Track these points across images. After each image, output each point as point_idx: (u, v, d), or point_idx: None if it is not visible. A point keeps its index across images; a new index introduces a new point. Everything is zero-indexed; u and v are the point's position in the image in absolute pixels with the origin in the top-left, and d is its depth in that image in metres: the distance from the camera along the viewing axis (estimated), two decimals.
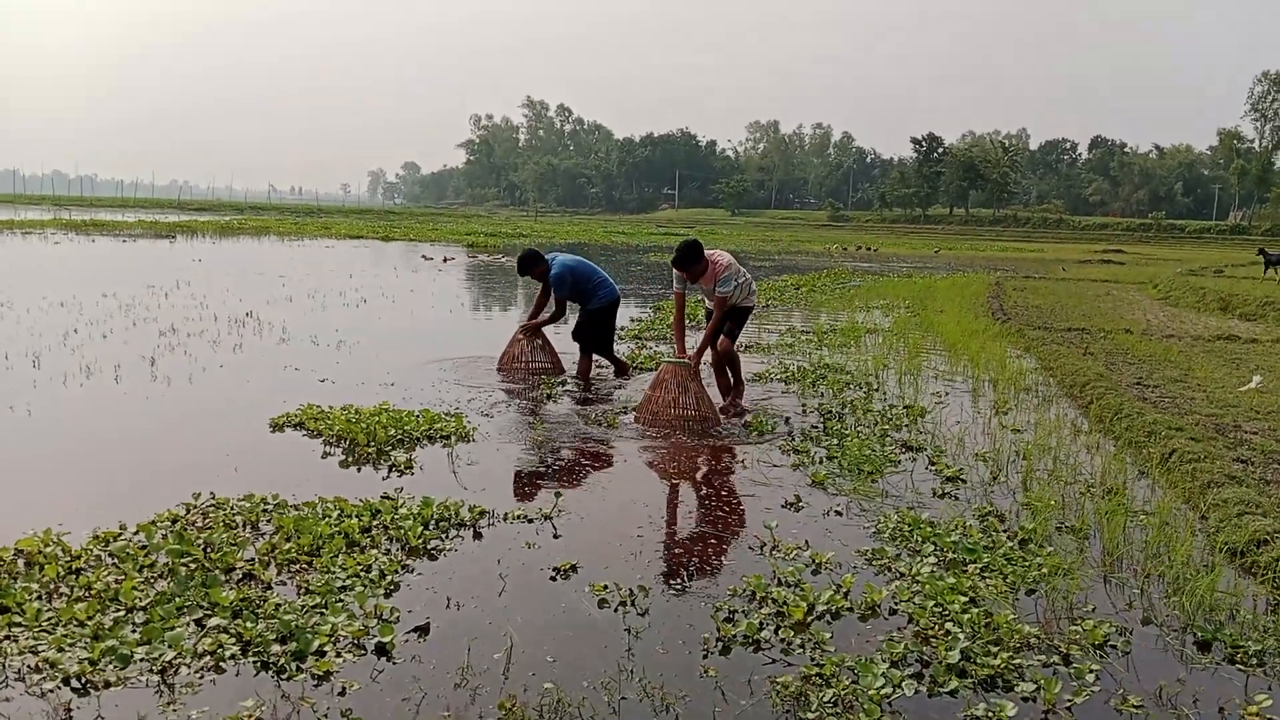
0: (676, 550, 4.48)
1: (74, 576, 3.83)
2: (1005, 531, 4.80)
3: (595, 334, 8.93)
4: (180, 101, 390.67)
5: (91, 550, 4.11)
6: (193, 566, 3.92)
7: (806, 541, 4.59)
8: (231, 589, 3.73)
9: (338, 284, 17.49)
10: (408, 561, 4.18)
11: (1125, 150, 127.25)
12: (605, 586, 3.94)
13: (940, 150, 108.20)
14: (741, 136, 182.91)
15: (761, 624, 3.61)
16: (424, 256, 27.95)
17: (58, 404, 7.14)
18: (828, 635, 3.53)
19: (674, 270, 7.66)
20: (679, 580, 4.09)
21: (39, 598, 3.63)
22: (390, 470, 5.68)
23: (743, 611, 3.76)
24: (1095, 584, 4.23)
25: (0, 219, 39.44)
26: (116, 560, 3.99)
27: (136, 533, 4.28)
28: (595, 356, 9.02)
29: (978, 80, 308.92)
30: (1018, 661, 3.40)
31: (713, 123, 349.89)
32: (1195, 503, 5.37)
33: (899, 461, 6.17)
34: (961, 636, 3.51)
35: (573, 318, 9.25)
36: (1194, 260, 42.01)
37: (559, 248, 37.04)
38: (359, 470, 5.75)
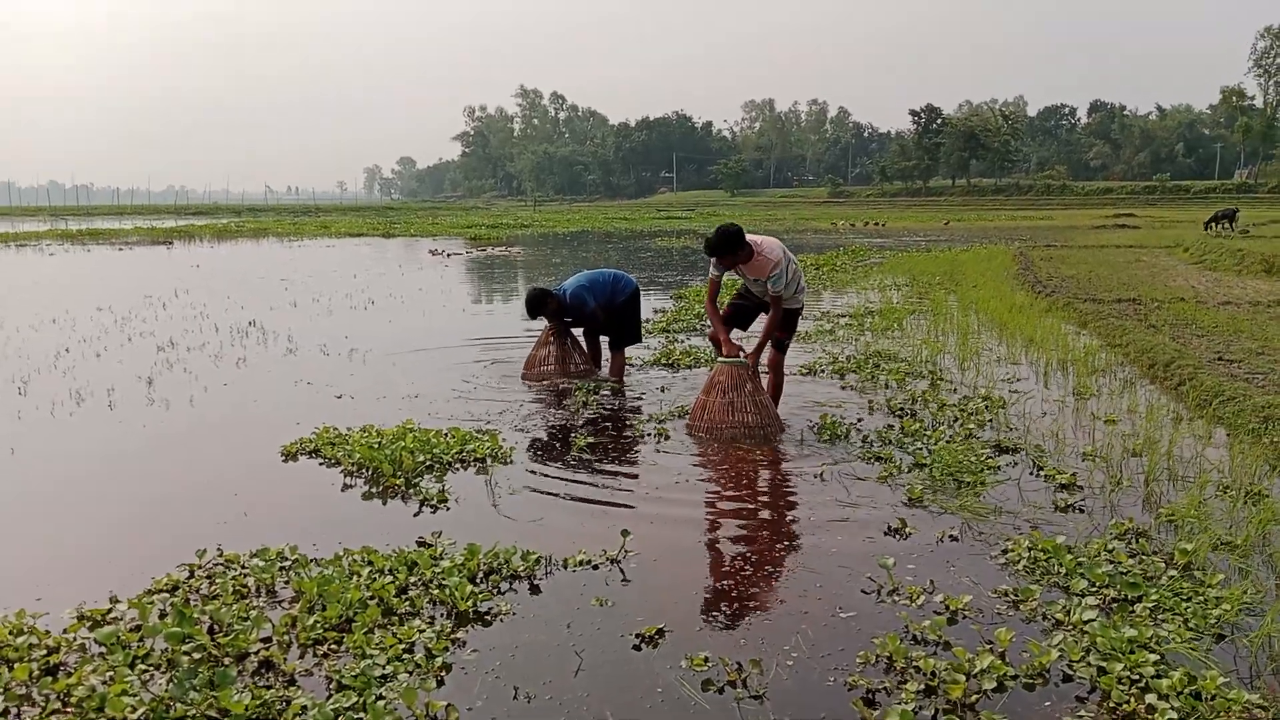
0: (778, 601, 3.73)
1: (51, 677, 3.08)
2: (1159, 555, 4.05)
3: (627, 327, 8.22)
4: (175, 110, 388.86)
5: (74, 637, 3.38)
6: (197, 656, 3.18)
7: (932, 582, 3.83)
8: (246, 687, 2.99)
9: (343, 286, 16.73)
10: (457, 634, 3.43)
11: (1126, 113, 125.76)
12: (705, 659, 3.19)
13: (939, 121, 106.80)
14: (737, 116, 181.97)
15: (916, 709, 2.86)
16: (430, 251, 27.17)
17: (44, 438, 6.40)
18: None
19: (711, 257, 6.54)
20: (793, 645, 3.33)
21: (2, 714, 2.90)
22: (422, 505, 4.93)
23: (884, 688, 3.02)
24: None
25: None
26: (104, 650, 3.25)
27: (130, 608, 3.55)
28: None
29: (973, 48, 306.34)
30: None
31: (707, 104, 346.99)
32: None
33: (998, 467, 5.41)
34: (1172, 713, 2.76)
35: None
36: None
37: (561, 238, 36.27)
38: (385, 504, 5.01)
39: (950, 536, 4.37)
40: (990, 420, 6.51)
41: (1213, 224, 31.37)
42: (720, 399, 6.20)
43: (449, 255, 26.04)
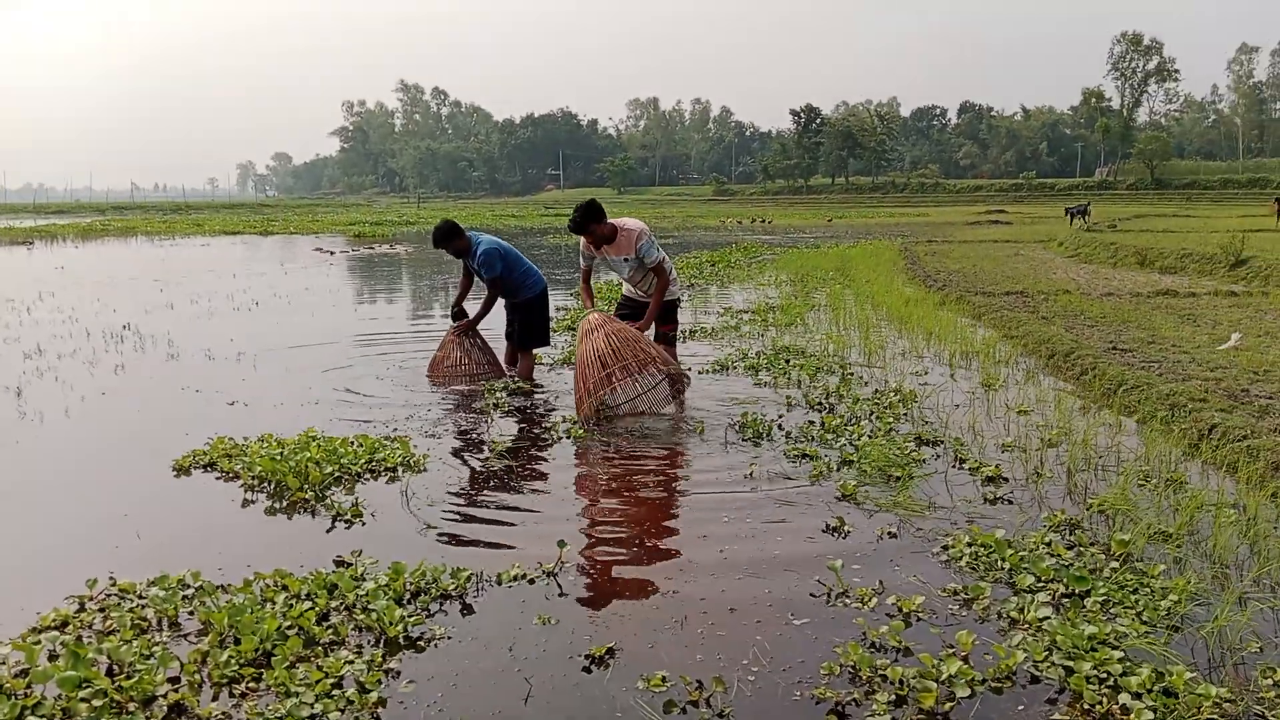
0: (727, 610, 3.56)
1: None
2: (1096, 547, 4.05)
3: (536, 328, 7.91)
4: (30, 102, 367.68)
5: None
6: (98, 703, 2.82)
7: (880, 583, 3.73)
8: None
9: (222, 286, 15.92)
10: (389, 663, 3.15)
11: (993, 114, 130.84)
12: (664, 678, 3.00)
13: (818, 121, 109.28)
14: (622, 114, 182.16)
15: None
16: (316, 250, 26.24)
17: None
18: None
19: (581, 242, 6.66)
20: (750, 658, 3.17)
21: None
22: (334, 520, 4.60)
23: (853, 700, 2.88)
24: (1232, 609, 3.48)
25: None
26: None
27: (14, 650, 3.15)
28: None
29: (849, 48, 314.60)
30: None
31: (592, 101, 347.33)
32: (1269, 488, 4.71)
33: (923, 460, 5.39)
34: (1149, 713, 2.70)
35: (500, 314, 8.09)
36: None
37: None
38: (291, 520, 4.66)
39: (889, 534, 4.29)
40: (906, 413, 6.51)
41: (1070, 215, 34.67)
42: (600, 338, 6.16)
43: (334, 253, 25.19)
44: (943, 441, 5.79)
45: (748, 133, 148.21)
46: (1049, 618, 3.33)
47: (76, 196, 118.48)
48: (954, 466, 5.34)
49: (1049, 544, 4.05)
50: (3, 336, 10.27)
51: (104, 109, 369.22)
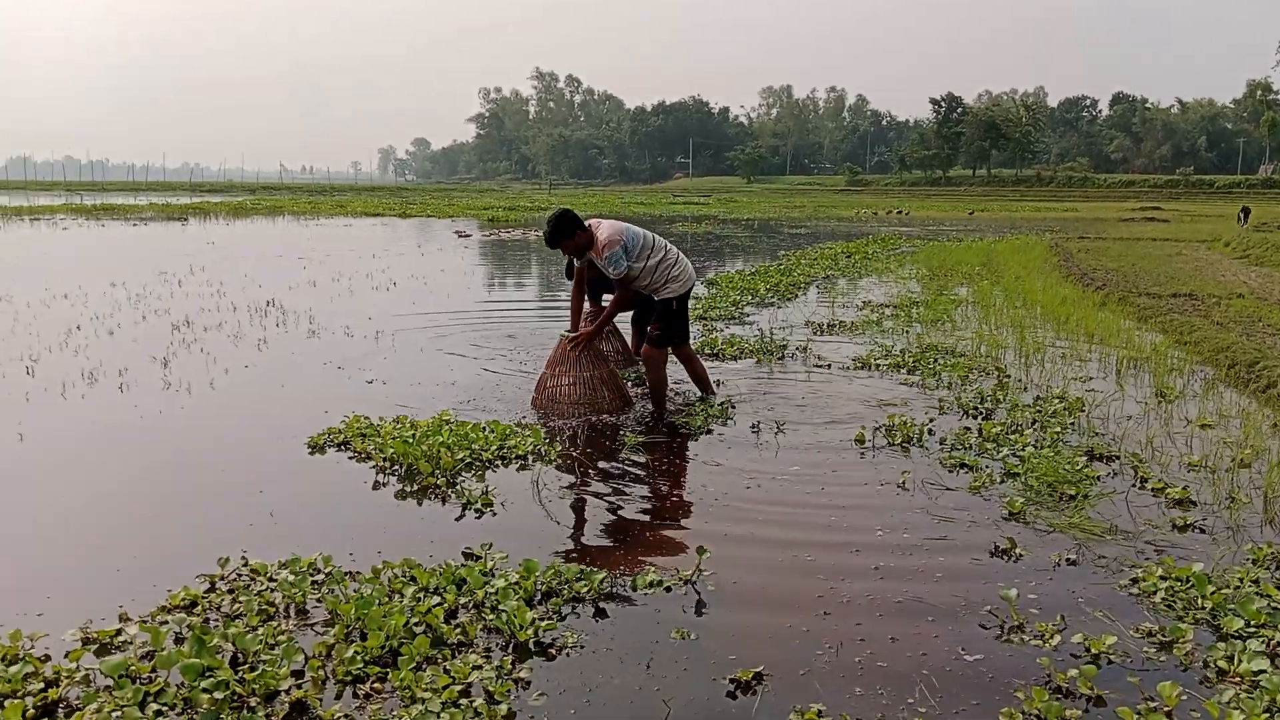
0: (888, 639, 3.21)
1: (48, 719, 2.61)
2: None
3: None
4: (190, 85, 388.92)
5: (77, 666, 2.90)
6: (219, 696, 2.69)
7: (1062, 617, 3.32)
8: None
9: (362, 265, 16.23)
10: (519, 671, 2.93)
11: (1147, 105, 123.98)
12: (819, 713, 2.69)
13: (960, 110, 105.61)
14: (754, 103, 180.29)
15: None
16: (457, 233, 26.67)
17: (53, 424, 5.93)
18: None
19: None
20: (917, 697, 2.83)
21: None
22: (464, 509, 4.44)
23: None
24: None
25: (10, 205, 38.41)
26: (112, 684, 2.77)
27: (141, 631, 3.07)
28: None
29: (993, 38, 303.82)
30: None
31: (724, 89, 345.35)
32: None
33: (1098, 478, 4.89)
34: None
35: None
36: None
37: None
38: (420, 504, 4.53)
39: (1068, 560, 3.86)
40: (1073, 423, 5.98)
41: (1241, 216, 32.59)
42: (558, 375, 6.23)
43: (469, 235, 25.55)
44: (1118, 457, 5.27)
45: (884, 122, 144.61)
46: (1265, 671, 2.88)
47: (229, 176, 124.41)
48: (1135, 486, 4.82)
49: (1256, 582, 3.56)
50: (154, 308, 10.62)
51: (257, 95, 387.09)
